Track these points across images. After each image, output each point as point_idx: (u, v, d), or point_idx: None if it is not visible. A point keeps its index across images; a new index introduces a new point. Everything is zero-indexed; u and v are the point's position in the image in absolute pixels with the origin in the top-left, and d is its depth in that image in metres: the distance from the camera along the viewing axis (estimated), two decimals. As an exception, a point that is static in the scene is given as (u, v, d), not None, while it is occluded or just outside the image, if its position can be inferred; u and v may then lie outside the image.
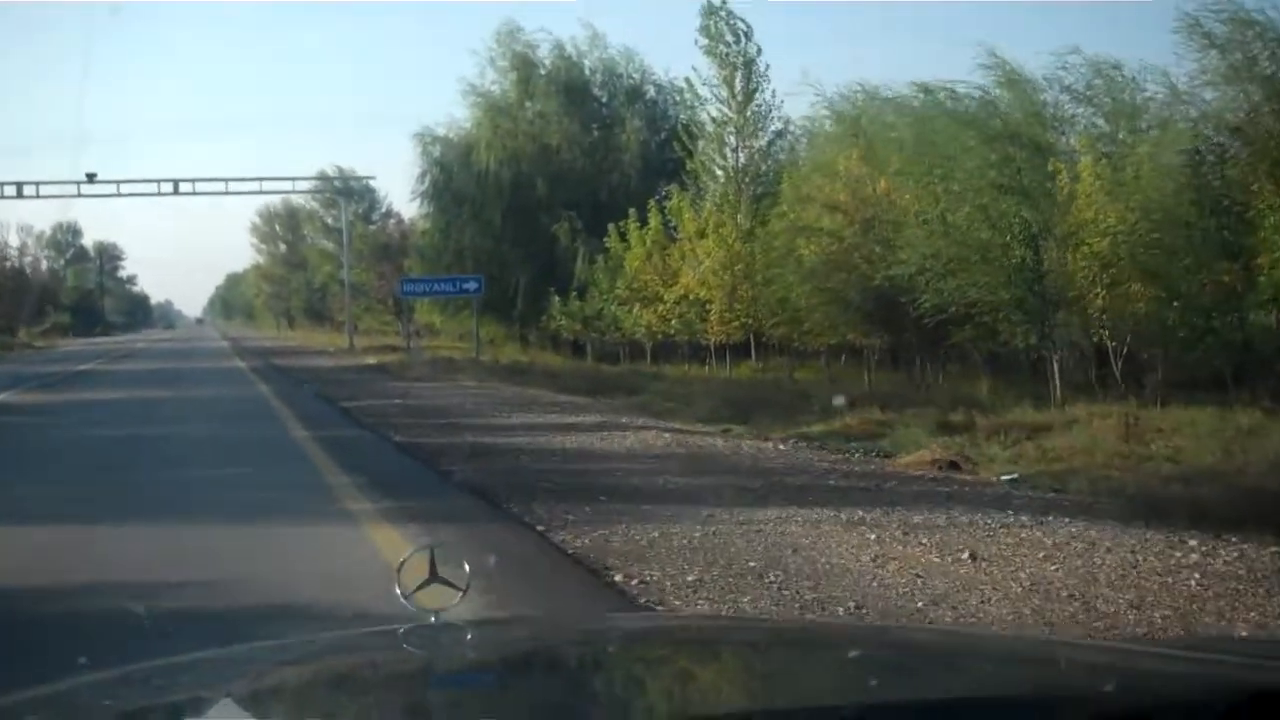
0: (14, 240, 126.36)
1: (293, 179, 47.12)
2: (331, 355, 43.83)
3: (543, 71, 44.16)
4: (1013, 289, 20.65)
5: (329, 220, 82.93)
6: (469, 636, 2.48)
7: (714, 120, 40.06)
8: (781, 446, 14.25)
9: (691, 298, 34.00)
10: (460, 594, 2.33)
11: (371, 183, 49.06)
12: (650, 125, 43.64)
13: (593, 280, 39.38)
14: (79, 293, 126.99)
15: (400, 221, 65.03)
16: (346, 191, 47.91)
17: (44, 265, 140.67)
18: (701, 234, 35.47)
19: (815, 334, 28.12)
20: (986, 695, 2.06)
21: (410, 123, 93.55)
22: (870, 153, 27.93)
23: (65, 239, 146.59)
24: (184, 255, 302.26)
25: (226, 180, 47.10)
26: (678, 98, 44.45)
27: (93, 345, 70.22)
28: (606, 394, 21.97)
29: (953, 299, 21.40)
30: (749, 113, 39.52)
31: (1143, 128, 23.63)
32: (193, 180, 46.40)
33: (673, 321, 35.72)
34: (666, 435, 15.06)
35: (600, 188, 43.34)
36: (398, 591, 2.30)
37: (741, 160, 39.90)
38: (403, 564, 2.35)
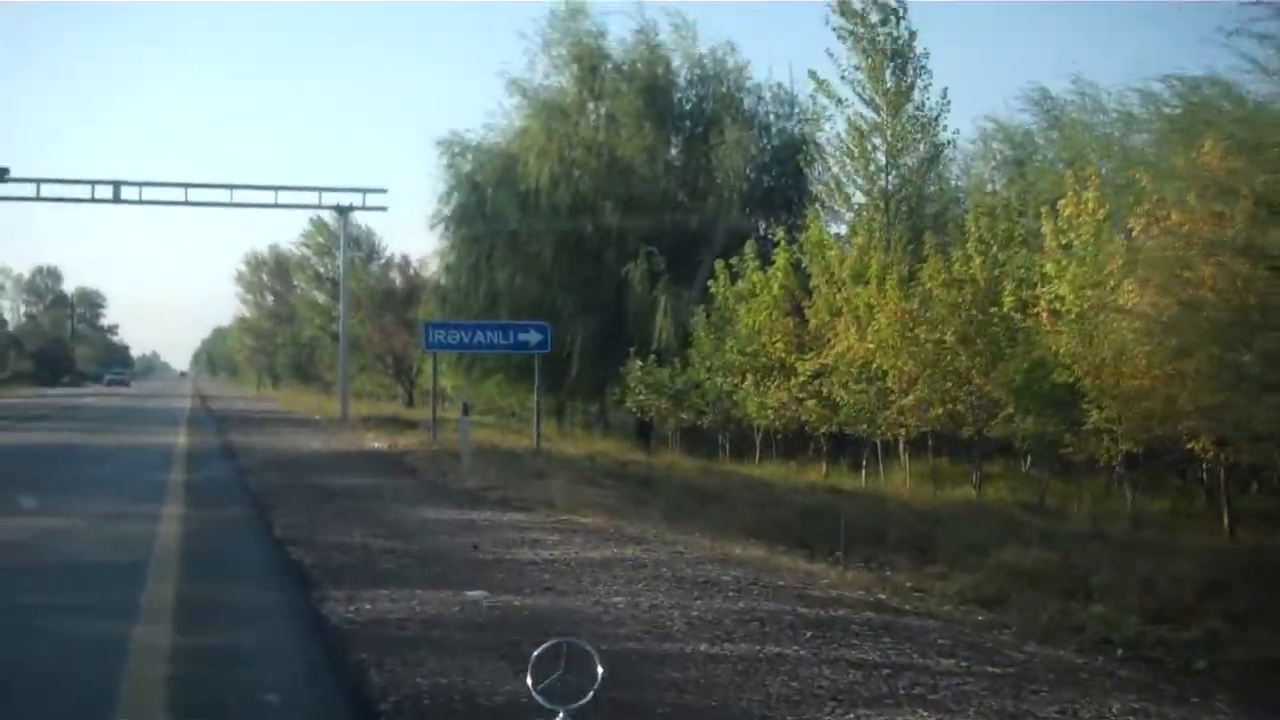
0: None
1: (274, 188, 36.45)
2: (319, 428, 32.52)
3: (612, 64, 33.35)
4: None
5: (321, 269, 73.29)
6: None
7: (854, 127, 29.20)
8: None
9: (847, 370, 23.08)
10: (591, 692, 2.30)
11: (380, 200, 37.87)
12: (749, 143, 32.59)
13: (691, 340, 28.30)
14: (45, 340, 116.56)
15: (406, 265, 54.19)
16: (345, 210, 36.77)
17: (20, 310, 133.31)
18: (858, 278, 24.65)
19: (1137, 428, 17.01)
20: None
21: (429, 131, 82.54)
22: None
23: (44, 284, 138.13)
24: (172, 306, 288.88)
25: (185, 186, 36.20)
26: (784, 109, 33.71)
27: (37, 398, 59.13)
28: (866, 549, 10.90)
29: None
30: (903, 117, 28.81)
31: None
32: (139, 184, 35.38)
33: (808, 403, 24.81)
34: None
35: (688, 218, 32.41)
36: (529, 682, 2.32)
37: (892, 181, 29.14)
38: (536, 656, 2.36)
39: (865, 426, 22.90)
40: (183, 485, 14.90)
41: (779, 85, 33.55)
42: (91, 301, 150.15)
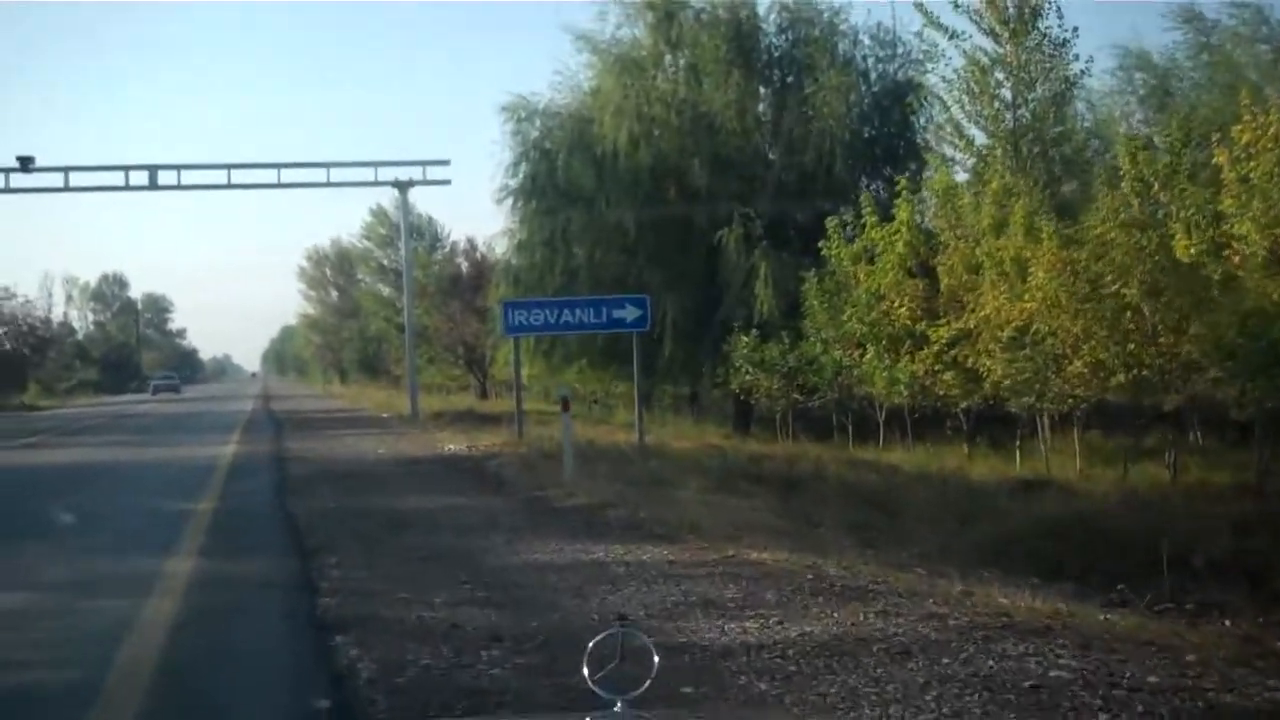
0: (59, 293, 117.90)
1: (325, 164, 33.14)
2: (387, 428, 29.52)
3: (691, 10, 29.87)
4: None
5: (384, 260, 70.73)
6: None
7: (973, 62, 25.64)
8: None
9: (992, 335, 19.72)
10: (648, 680, 2.25)
11: (443, 174, 34.37)
12: (849, 90, 28.89)
13: (803, 310, 24.87)
14: (111, 347, 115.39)
15: (472, 248, 51.03)
16: (404, 185, 33.50)
17: (89, 319, 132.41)
18: (999, 228, 21.23)
19: None
20: None
21: (491, 99, 77.71)
22: None
23: (111, 291, 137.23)
24: (241, 307, 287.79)
25: (228, 167, 33.13)
26: (886, 52, 30.03)
27: (95, 406, 56.91)
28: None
29: None
30: (1029, 46, 25.27)
31: None
32: (176, 167, 32.44)
33: (945, 375, 21.48)
34: None
35: (785, 175, 28.89)
36: (585, 673, 2.25)
37: (1020, 119, 25.60)
38: (592, 646, 2.30)
39: (1026, 399, 19.35)
40: (209, 520, 11.66)
41: (878, 26, 29.87)
42: (159, 306, 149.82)
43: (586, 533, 9.79)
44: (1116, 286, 17.41)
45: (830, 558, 8.14)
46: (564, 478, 13.40)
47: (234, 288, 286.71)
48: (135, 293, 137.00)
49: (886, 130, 29.82)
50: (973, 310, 20.54)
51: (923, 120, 29.67)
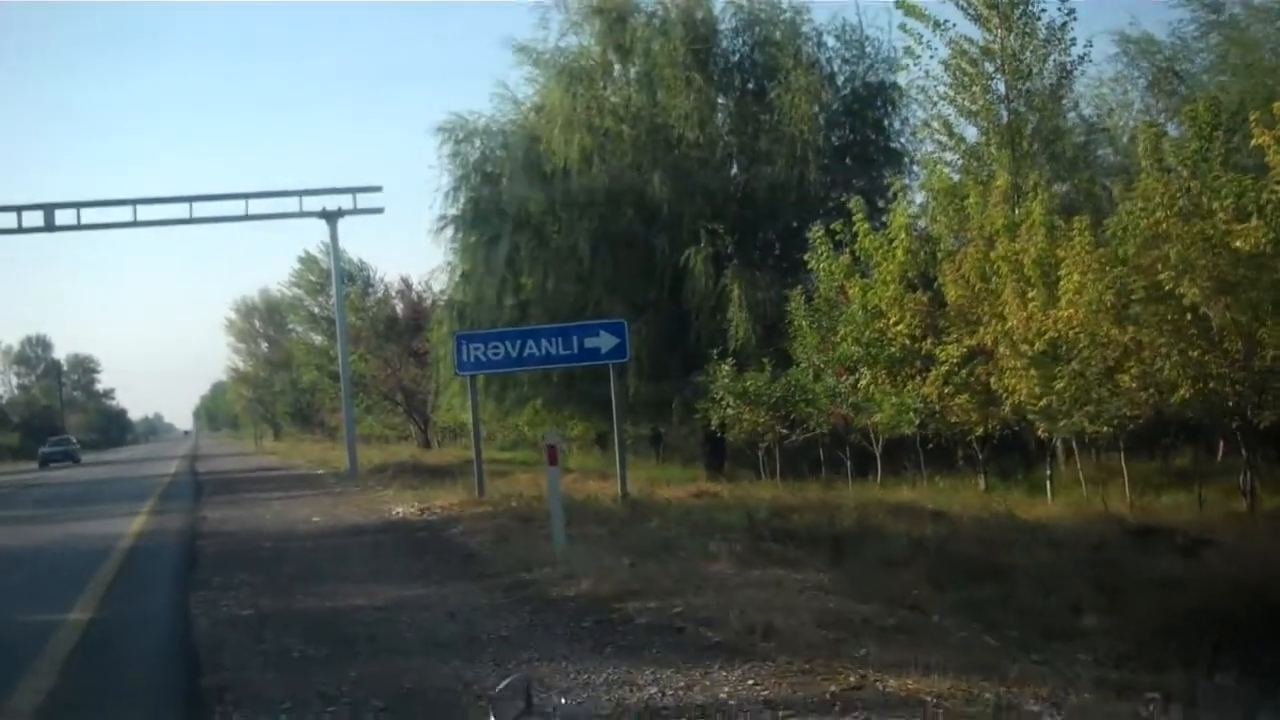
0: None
1: (242, 196, 29.89)
2: (323, 488, 26.37)
3: (642, 13, 27.22)
4: None
5: (315, 308, 67.47)
6: None
7: (960, 51, 23.30)
8: None
9: (1014, 349, 17.24)
10: None
11: (375, 200, 31.01)
12: (818, 91, 26.28)
13: (790, 332, 22.19)
14: (33, 411, 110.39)
15: (408, 288, 47.94)
16: (333, 215, 30.21)
17: (13, 382, 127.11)
18: (1011, 229, 18.81)
19: None
20: None
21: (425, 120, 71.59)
22: None
23: (34, 353, 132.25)
24: (169, 363, 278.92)
25: (133, 203, 29.77)
26: (854, 52, 27.52)
27: (6, 476, 52.98)
28: None
29: None
30: (1021, 32, 23.06)
31: None
32: (75, 206, 29.08)
33: (959, 398, 18.99)
34: None
35: (753, 187, 26.30)
36: None
37: (1016, 111, 23.30)
38: (498, 692, 2.16)
39: (1064, 421, 16.71)
40: (74, 642, 8.31)
41: (843, 26, 27.34)
42: (85, 367, 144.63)
43: (611, 645, 6.84)
44: (1176, 285, 14.83)
45: (1004, 679, 5.36)
46: (554, 551, 10.46)
47: (162, 344, 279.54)
48: (61, 353, 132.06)
49: (860, 135, 27.32)
50: (989, 323, 17.97)
51: (897, 123, 27.27)
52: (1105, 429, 16.10)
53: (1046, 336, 16.64)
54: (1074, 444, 19.27)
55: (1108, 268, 15.80)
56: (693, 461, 30.57)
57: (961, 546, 10.53)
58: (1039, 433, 18.30)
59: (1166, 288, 14.98)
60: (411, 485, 23.16)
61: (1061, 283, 16.56)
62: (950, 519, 13.47)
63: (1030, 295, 17.10)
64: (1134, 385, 15.65)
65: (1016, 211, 19.17)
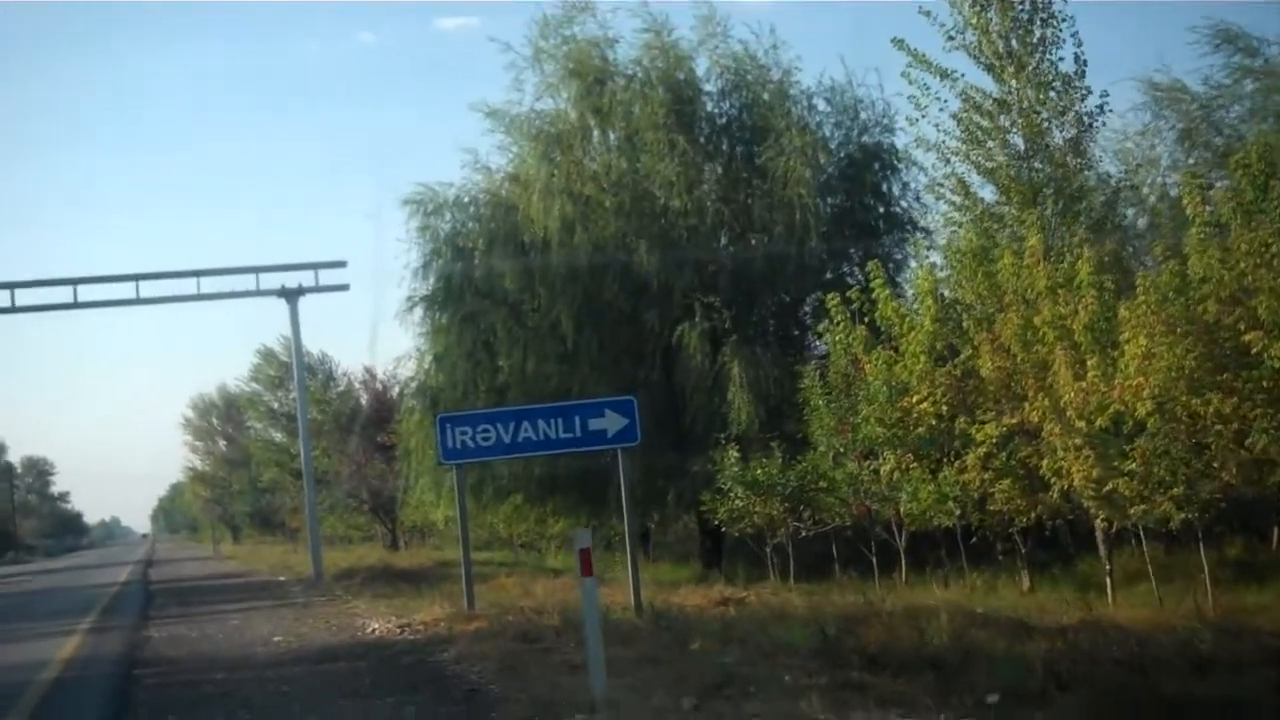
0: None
1: (194, 274, 27.58)
2: (285, 598, 23.85)
3: (622, 76, 25.47)
4: None
5: (275, 404, 64.98)
6: None
7: (971, 104, 21.59)
8: None
9: (1064, 426, 15.26)
10: None
11: (339, 277, 28.69)
12: (815, 153, 24.49)
13: (809, 414, 20.08)
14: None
15: (372, 379, 45.59)
16: (294, 293, 27.97)
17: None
18: (1052, 292, 16.92)
19: None
20: None
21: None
22: None
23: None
24: (126, 465, 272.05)
25: (73, 283, 27.31)
26: (846, 116, 25.83)
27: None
28: None
29: None
30: (1036, 80, 21.44)
31: None
32: (10, 286, 26.60)
33: (1002, 484, 16.94)
34: None
35: (748, 257, 24.41)
36: None
37: (1038, 168, 21.51)
38: None
39: (1135, 507, 14.59)
40: None
41: (833, 87, 25.60)
42: (39, 469, 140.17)
43: None
44: (1268, 347, 12.89)
45: None
46: (592, 692, 8.13)
47: (119, 443, 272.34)
48: (15, 456, 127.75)
49: (858, 201, 25.52)
50: (1034, 397, 15.92)
51: (897, 188, 25.52)
52: (1194, 515, 13.95)
53: (1110, 410, 14.59)
54: (1141, 535, 17.17)
55: (1178, 329, 13.86)
56: (685, 559, 28.30)
57: (1092, 671, 8.48)
58: (1097, 522, 16.23)
59: (1255, 349, 13.04)
60: (384, 594, 20.73)
61: (1127, 348, 14.60)
62: (1036, 629, 11.34)
63: (1090, 363, 15.10)
64: (1218, 464, 13.65)
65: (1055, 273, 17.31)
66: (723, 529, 23.02)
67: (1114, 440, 14.63)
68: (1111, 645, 9.93)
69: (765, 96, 25.31)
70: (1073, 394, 15.04)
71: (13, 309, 27.28)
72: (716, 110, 25.90)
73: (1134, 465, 14.05)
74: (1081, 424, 14.94)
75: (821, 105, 25.59)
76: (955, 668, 8.46)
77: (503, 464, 22.87)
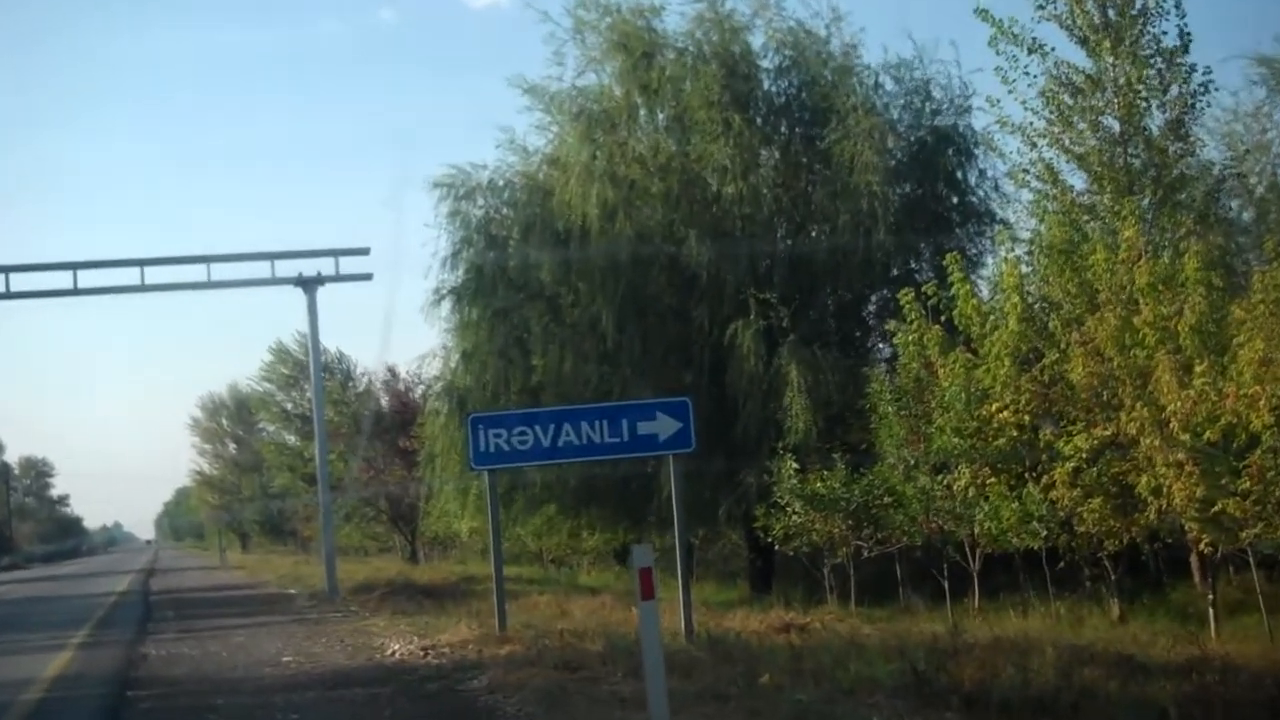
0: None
1: (204, 259, 25.61)
2: (296, 614, 21.81)
3: (674, 50, 23.48)
4: None
5: (289, 404, 62.72)
6: None
7: (1062, 82, 19.54)
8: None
9: (1170, 439, 13.19)
10: None
11: (362, 265, 26.62)
12: (883, 136, 22.42)
13: (877, 422, 18.02)
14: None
15: (394, 379, 43.51)
16: (312, 282, 25.97)
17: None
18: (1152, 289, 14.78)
19: None
20: None
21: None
22: None
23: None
24: (129, 468, 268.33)
25: (73, 267, 25.37)
26: (916, 97, 23.74)
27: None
28: None
29: None
30: (1137, 55, 19.41)
31: None
32: (5, 270, 24.63)
33: (1093, 502, 14.92)
34: None
35: (809, 250, 22.41)
36: None
37: (1135, 154, 19.45)
38: None
39: (1249, 530, 12.65)
40: None
41: (900, 63, 23.57)
42: (38, 471, 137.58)
43: None
44: None
45: None
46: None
47: (123, 444, 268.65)
48: (12, 456, 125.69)
49: (930, 190, 23.45)
50: (1131, 407, 13.92)
51: (974, 176, 23.47)
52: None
53: (1221, 422, 12.64)
54: (1250, 561, 15.14)
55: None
56: (730, 579, 26.30)
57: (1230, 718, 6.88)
58: (1201, 546, 14.22)
59: None
60: (404, 611, 18.75)
61: (1240, 353, 12.69)
62: (1148, 667, 9.60)
63: (1198, 369, 13.15)
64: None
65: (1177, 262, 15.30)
66: (776, 546, 20.95)
67: (1223, 456, 12.77)
68: (1242, 687, 8.24)
69: (827, 74, 23.32)
70: (1178, 403, 13.15)
71: (8, 294, 25.31)
72: (774, 89, 23.90)
73: (1247, 484, 12.17)
74: (1186, 437, 13.18)
75: (889, 84, 23.63)
76: (1067, 711, 6.83)
77: (536, 472, 20.86)
